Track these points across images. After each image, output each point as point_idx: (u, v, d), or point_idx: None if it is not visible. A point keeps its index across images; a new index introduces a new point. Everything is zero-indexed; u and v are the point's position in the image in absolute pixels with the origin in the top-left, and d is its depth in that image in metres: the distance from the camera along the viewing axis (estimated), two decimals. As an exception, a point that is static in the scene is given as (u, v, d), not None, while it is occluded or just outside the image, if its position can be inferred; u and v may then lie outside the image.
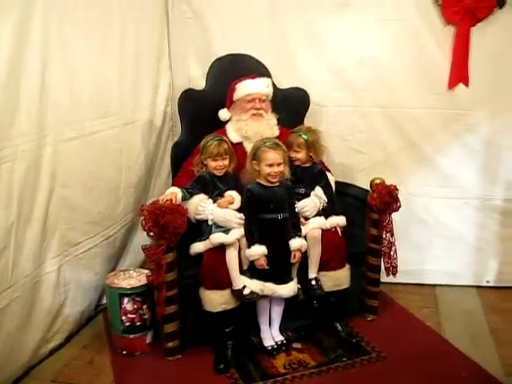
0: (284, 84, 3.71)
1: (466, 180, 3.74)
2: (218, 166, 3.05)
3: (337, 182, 3.45)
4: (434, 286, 3.88)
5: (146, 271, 3.02)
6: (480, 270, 3.86)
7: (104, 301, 3.46)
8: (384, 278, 3.43)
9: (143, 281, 3.05)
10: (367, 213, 3.31)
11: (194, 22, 3.86)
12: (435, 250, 3.87)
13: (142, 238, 3.25)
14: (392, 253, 3.29)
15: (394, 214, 3.28)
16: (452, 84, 3.58)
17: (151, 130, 3.81)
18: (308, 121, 3.67)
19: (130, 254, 3.78)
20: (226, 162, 3.08)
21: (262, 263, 2.90)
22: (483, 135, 3.66)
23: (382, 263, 3.34)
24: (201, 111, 3.45)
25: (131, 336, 3.08)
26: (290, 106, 3.59)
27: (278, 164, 2.94)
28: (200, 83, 3.68)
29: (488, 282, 3.86)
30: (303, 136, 3.18)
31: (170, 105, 4.00)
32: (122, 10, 3.38)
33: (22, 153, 2.65)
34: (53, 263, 2.99)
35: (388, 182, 3.25)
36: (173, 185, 3.16)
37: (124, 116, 3.48)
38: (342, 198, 3.41)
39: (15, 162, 2.62)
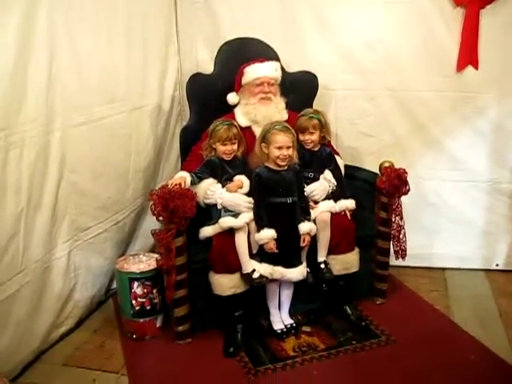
0: (292, 68, 3.69)
1: (475, 163, 3.72)
2: (227, 150, 3.05)
3: (346, 166, 3.44)
4: (443, 269, 3.88)
5: (156, 255, 3.02)
6: (489, 254, 3.85)
7: (114, 285, 3.49)
8: (393, 261, 3.42)
9: (153, 265, 3.06)
10: (376, 196, 3.30)
11: (202, 6, 3.85)
12: (444, 233, 3.86)
13: (151, 223, 3.26)
14: (401, 236, 3.28)
15: (403, 198, 3.27)
16: (461, 66, 3.55)
17: (160, 114, 3.81)
18: (316, 104, 3.64)
19: (140, 238, 3.79)
20: (235, 146, 3.07)
21: (272, 247, 2.91)
22: (492, 118, 3.63)
23: (392, 246, 3.34)
24: (209, 95, 3.44)
25: (141, 320, 3.10)
26: (299, 90, 3.58)
27: (288, 147, 2.93)
28: (208, 67, 3.66)
29: (497, 265, 3.86)
30: (316, 117, 3.18)
31: (179, 89, 3.99)
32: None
33: (30, 139, 2.66)
34: (63, 248, 3.01)
35: (397, 166, 3.24)
36: (182, 169, 3.17)
37: (132, 101, 3.48)
38: (351, 181, 3.41)
39: (24, 148, 2.63)
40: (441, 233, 3.86)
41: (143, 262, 3.17)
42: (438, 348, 2.95)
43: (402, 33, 3.62)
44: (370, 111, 3.78)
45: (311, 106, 3.55)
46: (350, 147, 3.83)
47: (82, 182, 3.09)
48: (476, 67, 3.55)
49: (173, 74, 3.95)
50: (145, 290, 3.07)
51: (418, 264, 3.85)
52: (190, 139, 3.35)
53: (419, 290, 3.60)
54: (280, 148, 2.92)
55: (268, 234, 2.91)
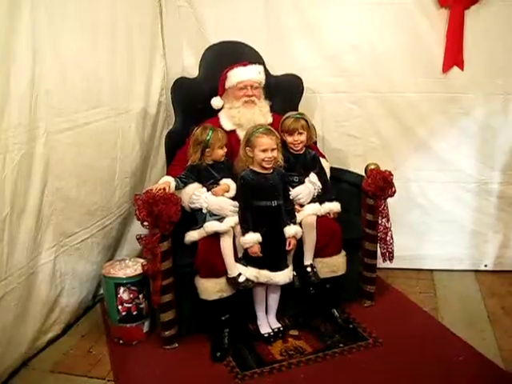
0: (278, 71, 3.69)
1: (462, 164, 3.72)
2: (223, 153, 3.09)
3: (332, 168, 3.45)
4: (431, 271, 3.88)
5: (142, 261, 3.02)
6: (478, 255, 3.85)
7: (102, 291, 3.46)
8: (381, 263, 3.43)
9: (139, 270, 3.06)
10: (362, 198, 3.30)
11: (187, 11, 3.84)
12: (433, 234, 3.86)
13: (138, 228, 3.21)
14: (388, 238, 3.28)
15: (390, 199, 3.27)
16: (446, 67, 3.55)
17: (146, 119, 3.81)
18: (303, 107, 3.65)
19: (128, 243, 3.78)
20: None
21: (256, 251, 2.90)
22: (479, 118, 3.63)
23: (379, 249, 3.33)
24: (194, 99, 3.44)
25: (128, 325, 3.09)
26: (284, 93, 3.58)
27: (272, 149, 2.94)
28: (194, 72, 3.67)
29: (486, 266, 3.86)
30: (304, 117, 3.19)
31: (165, 94, 3.98)
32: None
33: (13, 145, 2.64)
34: (48, 254, 3.00)
35: (384, 167, 3.25)
36: (167, 174, 3.16)
37: (117, 106, 3.47)
38: (337, 184, 3.41)
39: (7, 154, 2.60)
40: (429, 234, 3.86)
41: (129, 267, 3.15)
42: (426, 350, 2.95)
43: (387, 35, 3.62)
44: (357, 113, 3.78)
45: (297, 109, 3.56)
46: (336, 150, 3.83)
47: (66, 188, 3.08)
48: (462, 68, 3.56)
49: (159, 79, 3.95)
50: (131, 296, 3.06)
51: (407, 266, 3.84)
52: (176, 143, 3.34)
53: (408, 292, 3.60)
54: (265, 151, 2.92)
55: (253, 238, 2.90)
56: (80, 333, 3.25)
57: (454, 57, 3.54)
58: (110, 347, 3.10)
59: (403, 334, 3.09)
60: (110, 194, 3.48)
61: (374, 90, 3.71)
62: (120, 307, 3.06)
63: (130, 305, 3.07)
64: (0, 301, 2.65)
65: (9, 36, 2.58)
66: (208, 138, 3.02)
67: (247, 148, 2.97)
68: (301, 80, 3.64)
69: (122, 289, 3.05)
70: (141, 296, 3.10)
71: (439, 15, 3.50)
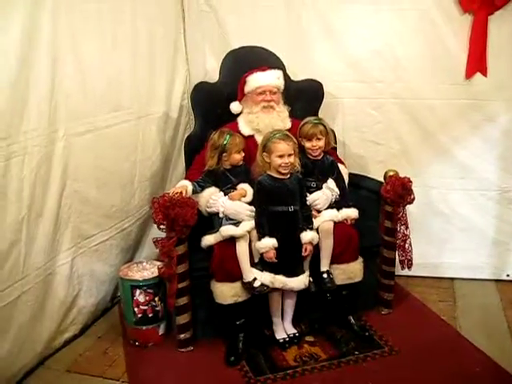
0: (299, 76, 3.69)
1: (484, 171, 3.67)
2: (239, 158, 3.09)
3: (351, 174, 3.43)
4: (452, 279, 3.82)
5: (159, 263, 3.04)
6: (500, 264, 3.78)
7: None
8: (401, 271, 3.38)
9: (156, 273, 3.07)
10: (381, 205, 3.27)
11: (209, 15, 3.86)
12: (454, 242, 3.80)
13: (158, 231, 3.22)
14: (407, 246, 3.25)
15: (410, 207, 3.25)
16: (469, 74, 3.51)
17: (167, 123, 3.83)
18: (324, 113, 3.65)
19: (147, 246, 3.79)
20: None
21: (271, 256, 2.90)
22: (502, 125, 3.57)
23: (397, 256, 3.30)
24: (214, 104, 3.46)
25: (144, 327, 3.11)
26: (305, 98, 3.58)
27: (289, 155, 2.93)
28: (217, 76, 3.69)
29: (508, 275, 3.79)
30: (322, 123, 3.19)
31: (187, 98, 3.99)
32: (134, 4, 3.40)
33: (32, 147, 2.69)
34: (66, 255, 3.04)
35: (405, 174, 3.21)
36: (185, 178, 3.18)
37: (138, 109, 3.50)
38: (356, 190, 3.39)
39: (26, 156, 2.65)
40: (450, 242, 3.81)
41: (147, 270, 3.19)
42: (442, 360, 2.91)
43: (409, 40, 3.59)
44: (378, 119, 3.76)
45: (317, 115, 3.55)
46: (357, 156, 3.82)
47: (85, 191, 3.12)
48: (485, 74, 3.51)
49: (181, 83, 3.96)
50: (147, 298, 3.08)
51: (427, 274, 3.81)
52: (195, 147, 3.36)
53: (427, 300, 3.55)
54: (282, 156, 2.92)
55: (268, 243, 2.90)
56: (97, 334, 3.28)
57: (477, 63, 3.49)
58: (125, 349, 3.12)
59: (419, 343, 3.05)
60: (130, 196, 3.51)
61: (395, 96, 3.68)
62: (136, 309, 3.09)
63: (145, 307, 3.09)
64: (16, 300, 2.69)
65: (29, 42, 2.63)
66: (225, 142, 3.03)
67: (264, 153, 2.97)
68: (321, 85, 3.63)
69: (138, 291, 3.07)
70: (157, 298, 3.11)
71: (462, 21, 3.46)
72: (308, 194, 3.09)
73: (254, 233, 2.97)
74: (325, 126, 3.18)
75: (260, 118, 3.24)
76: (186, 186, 2.97)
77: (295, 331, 3.13)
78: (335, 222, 3.09)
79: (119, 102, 3.33)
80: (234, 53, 3.61)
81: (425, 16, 3.50)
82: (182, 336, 3.03)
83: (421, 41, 3.56)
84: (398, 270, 3.39)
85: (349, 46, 3.68)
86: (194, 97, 3.50)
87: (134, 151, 3.50)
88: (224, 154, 3.04)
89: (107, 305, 3.51)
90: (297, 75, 3.68)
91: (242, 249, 2.94)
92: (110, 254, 3.39)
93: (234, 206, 2.99)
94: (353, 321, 3.20)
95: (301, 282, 2.97)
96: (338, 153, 3.59)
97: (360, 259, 3.16)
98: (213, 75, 3.81)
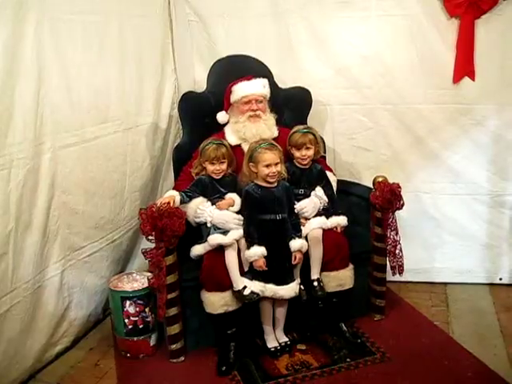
0: (288, 84, 3.70)
1: (475, 175, 3.66)
2: (216, 169, 3.06)
3: (341, 181, 3.44)
4: (445, 284, 3.81)
5: (149, 274, 3.03)
6: (492, 268, 3.78)
7: (110, 304, 3.49)
8: (394, 276, 3.35)
9: (146, 284, 3.06)
10: (371, 211, 3.27)
11: (198, 25, 3.88)
12: (445, 247, 3.80)
13: (148, 242, 3.27)
14: (397, 251, 3.23)
15: (402, 212, 3.25)
16: (457, 78, 3.51)
17: (156, 133, 3.82)
18: (313, 120, 3.65)
19: (138, 257, 3.77)
20: (224, 166, 3.08)
21: (261, 264, 2.89)
22: (491, 129, 3.57)
23: (388, 262, 3.29)
24: (201, 114, 3.47)
25: (135, 339, 3.10)
26: (293, 106, 3.60)
27: (276, 164, 2.93)
28: (205, 86, 3.69)
29: (501, 279, 3.78)
30: (312, 132, 3.18)
31: (176, 108, 3.99)
32: (121, 15, 3.39)
33: (18, 160, 2.68)
34: (55, 268, 3.03)
35: (396, 180, 3.21)
36: (173, 188, 3.18)
37: (126, 120, 3.49)
38: (346, 196, 3.39)
39: (12, 169, 2.64)
40: (442, 247, 3.80)
41: (137, 281, 3.19)
42: (434, 365, 2.90)
43: (397, 46, 3.60)
44: (367, 126, 3.76)
45: (306, 122, 3.55)
46: (347, 162, 3.82)
47: (74, 202, 3.11)
48: (473, 78, 3.52)
49: (170, 93, 3.96)
50: (137, 309, 3.07)
51: (419, 279, 3.80)
52: (184, 157, 3.35)
53: (419, 305, 3.54)
54: (268, 166, 2.92)
55: (257, 252, 2.89)
56: (89, 346, 3.27)
57: (464, 67, 3.49)
58: (117, 360, 3.11)
59: (411, 349, 3.04)
60: (119, 207, 3.50)
61: (384, 102, 3.69)
62: (126, 320, 3.08)
63: (136, 318, 3.08)
64: (6, 313, 2.68)
65: (12, 54, 2.61)
66: (202, 148, 3.07)
67: (251, 164, 2.97)
68: (309, 92, 3.63)
69: (128, 302, 3.06)
70: (147, 309, 3.10)
71: (449, 25, 3.47)
72: (296, 202, 3.09)
73: (243, 242, 2.97)
74: (314, 135, 3.18)
75: (247, 128, 3.23)
76: (174, 196, 2.96)
77: (287, 339, 3.12)
78: (324, 230, 3.08)
79: (107, 113, 3.32)
80: (220, 62, 3.62)
81: (412, 21, 3.51)
82: (173, 346, 3.02)
83: (409, 46, 3.57)
84: (391, 276, 3.37)
85: (337, 53, 3.69)
86: (181, 106, 3.51)
87: (123, 162, 3.49)
88: (201, 160, 3.09)
89: (99, 316, 3.49)
90: (286, 83, 3.68)
91: (230, 257, 2.94)
92: (100, 266, 3.38)
93: (222, 215, 2.99)
94: (344, 328, 3.19)
95: (291, 290, 2.96)
96: (328, 159, 3.58)
97: (350, 266, 3.15)
98: (201, 84, 3.81)
